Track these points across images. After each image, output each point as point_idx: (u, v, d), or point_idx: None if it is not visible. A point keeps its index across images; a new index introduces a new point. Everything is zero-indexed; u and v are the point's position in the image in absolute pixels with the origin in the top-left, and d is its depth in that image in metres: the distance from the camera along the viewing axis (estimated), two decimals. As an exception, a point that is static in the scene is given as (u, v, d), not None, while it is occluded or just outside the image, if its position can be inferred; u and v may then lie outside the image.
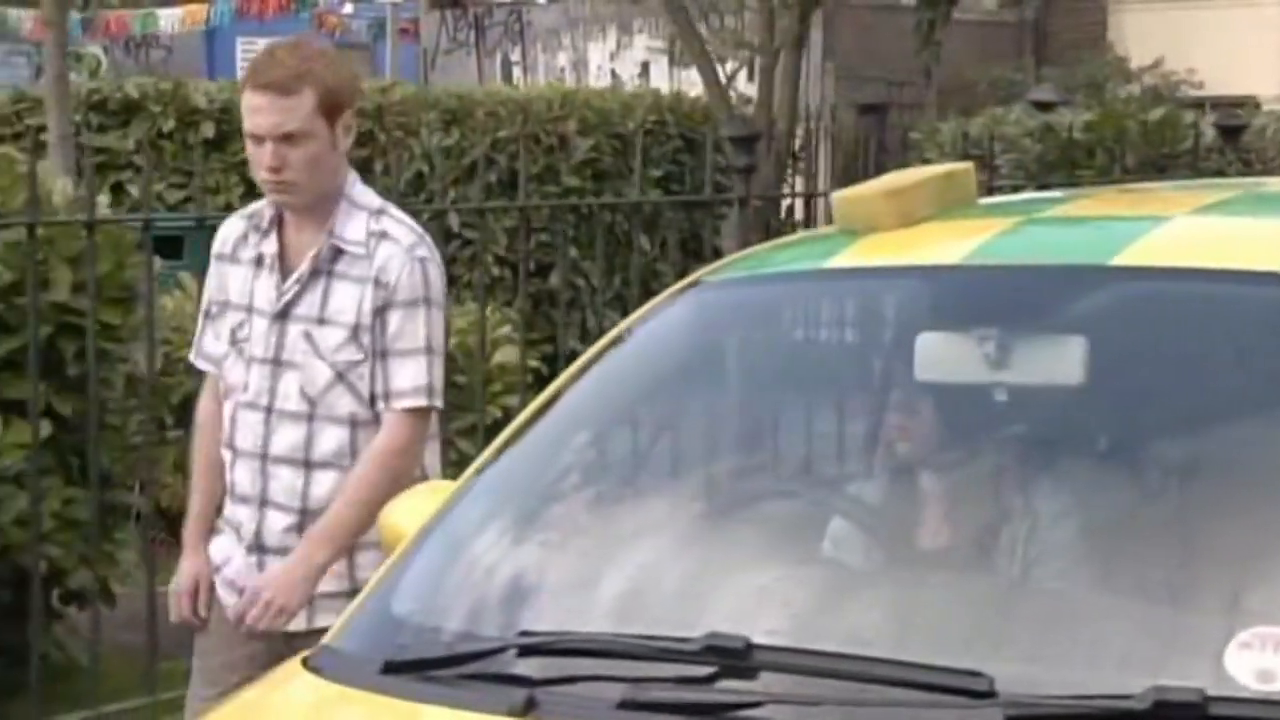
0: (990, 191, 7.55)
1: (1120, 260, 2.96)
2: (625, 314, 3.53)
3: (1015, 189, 8.03)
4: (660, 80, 19.44)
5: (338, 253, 3.97)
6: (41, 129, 9.47)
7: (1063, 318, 2.99)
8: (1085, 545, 2.78)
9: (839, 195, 3.31)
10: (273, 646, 3.95)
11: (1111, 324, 2.99)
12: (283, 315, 3.98)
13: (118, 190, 10.16)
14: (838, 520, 3.04)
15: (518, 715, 2.50)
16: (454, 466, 3.85)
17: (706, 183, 7.18)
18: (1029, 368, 2.93)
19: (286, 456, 3.98)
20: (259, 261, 4.03)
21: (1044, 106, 9.74)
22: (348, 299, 3.95)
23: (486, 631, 2.83)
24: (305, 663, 2.86)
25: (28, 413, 5.46)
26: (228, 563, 4.08)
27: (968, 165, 3.45)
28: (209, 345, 4.14)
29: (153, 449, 5.81)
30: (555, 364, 6.51)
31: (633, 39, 22.40)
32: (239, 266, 4.06)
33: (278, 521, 4.00)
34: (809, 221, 7.79)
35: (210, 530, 4.13)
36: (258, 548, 4.03)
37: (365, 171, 8.66)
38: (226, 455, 4.07)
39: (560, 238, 7.55)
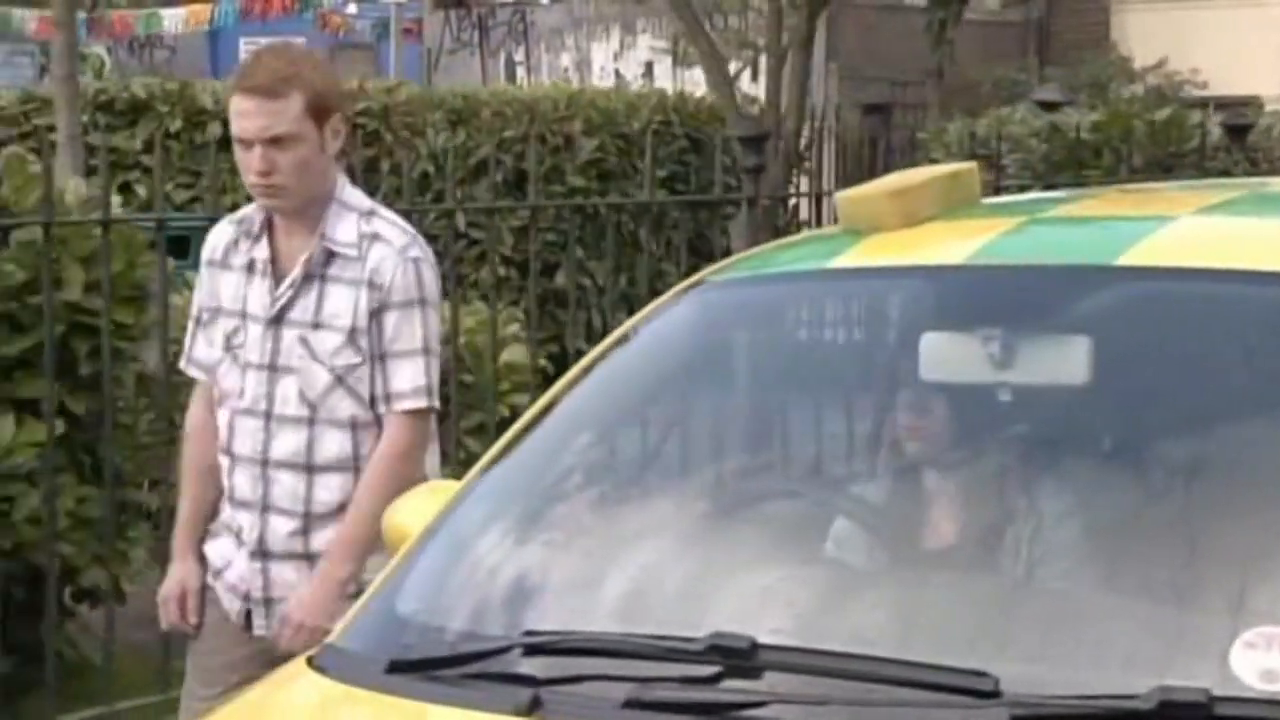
0: (997, 191, 7.57)
1: (1125, 260, 2.96)
2: (631, 314, 3.53)
3: (1022, 189, 8.03)
4: (663, 80, 19.46)
5: (330, 256, 3.95)
6: (49, 129, 9.49)
7: (1067, 318, 2.99)
8: (1090, 545, 2.78)
9: (843, 195, 3.31)
10: (276, 647, 3.95)
11: (1116, 324, 2.98)
12: (277, 320, 3.97)
13: (124, 190, 10.18)
14: (842, 520, 3.03)
15: (523, 715, 2.50)
16: (462, 465, 3.85)
17: (716, 182, 7.20)
18: (1033, 368, 2.93)
19: (288, 461, 3.97)
20: (250, 267, 4.02)
21: (1049, 106, 9.73)
22: (342, 302, 3.94)
23: (491, 631, 2.83)
24: (310, 662, 2.86)
25: (40, 411, 5.49)
26: (229, 566, 4.07)
27: (972, 165, 3.44)
28: (200, 352, 4.12)
29: (164, 448, 5.82)
30: (561, 363, 6.52)
31: (636, 39, 22.41)
32: (230, 272, 4.04)
33: (281, 526, 3.99)
34: (817, 221, 7.80)
35: (199, 537, 4.12)
36: (261, 553, 4.01)
37: (371, 171, 8.68)
38: (224, 461, 4.06)
39: (567, 237, 7.56)
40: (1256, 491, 2.72)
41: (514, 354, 6.93)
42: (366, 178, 6.36)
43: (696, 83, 18.33)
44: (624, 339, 3.36)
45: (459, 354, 6.38)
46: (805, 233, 7.08)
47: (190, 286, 7.76)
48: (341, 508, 3.97)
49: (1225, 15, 20.92)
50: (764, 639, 2.54)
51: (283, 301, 3.96)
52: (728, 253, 6.23)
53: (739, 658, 2.52)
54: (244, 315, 4.01)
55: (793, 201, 9.65)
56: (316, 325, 3.95)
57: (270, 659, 3.87)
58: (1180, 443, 2.87)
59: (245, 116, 3.89)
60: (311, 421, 3.96)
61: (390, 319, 3.94)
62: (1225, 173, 8.81)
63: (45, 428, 5.41)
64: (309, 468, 3.97)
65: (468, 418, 6.43)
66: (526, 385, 6.67)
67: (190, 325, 4.17)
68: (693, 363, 3.39)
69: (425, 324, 4.00)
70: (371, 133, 10.85)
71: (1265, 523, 2.67)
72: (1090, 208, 3.60)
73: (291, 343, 3.96)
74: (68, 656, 5.70)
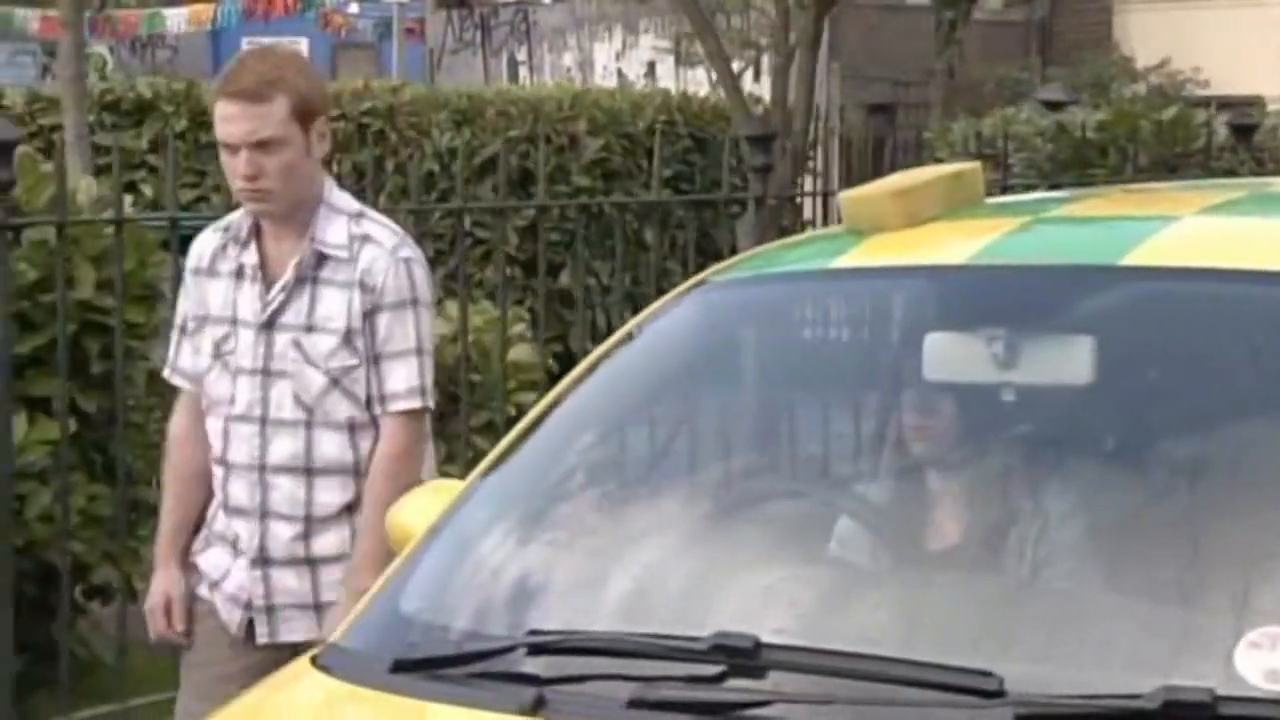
0: (1004, 191, 7.56)
1: (1129, 260, 2.96)
2: (636, 313, 3.54)
3: (1028, 188, 8.04)
4: (666, 80, 19.46)
5: (321, 259, 3.94)
6: (55, 129, 9.51)
7: (1071, 318, 2.99)
8: (1095, 545, 2.78)
9: (846, 195, 3.31)
10: (278, 658, 3.89)
11: (1120, 324, 2.99)
12: (269, 325, 3.95)
13: (130, 189, 10.19)
14: (845, 520, 3.04)
15: (527, 714, 2.50)
16: (471, 464, 3.86)
17: (724, 182, 7.20)
18: (1037, 368, 2.94)
19: (286, 466, 3.96)
20: (239, 273, 4.00)
21: (1054, 106, 9.73)
22: (335, 304, 3.93)
23: (495, 630, 2.84)
24: (314, 661, 2.87)
25: (52, 410, 5.51)
26: (226, 576, 4.04)
27: (975, 165, 3.45)
28: (185, 361, 4.10)
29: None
30: (566, 362, 6.54)
31: (638, 39, 22.40)
32: (218, 280, 4.02)
33: (282, 532, 3.97)
34: (824, 221, 7.81)
35: (183, 546, 4.09)
36: (262, 560, 3.99)
37: (376, 171, 8.67)
38: (218, 470, 4.03)
39: (572, 237, 7.56)
40: (1261, 491, 2.73)
41: (520, 353, 6.94)
42: (371, 178, 6.36)
43: (699, 82, 18.33)
44: (627, 339, 3.36)
45: (467, 353, 6.39)
46: (809, 232, 7.08)
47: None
48: (342, 510, 3.97)
49: (1227, 15, 20.92)
50: (768, 638, 2.54)
51: (274, 306, 3.95)
52: (735, 252, 6.24)
53: (743, 657, 2.52)
54: (234, 321, 3.99)
55: (798, 201, 9.66)
56: (309, 328, 3.94)
57: (269, 671, 3.92)
58: (1184, 443, 2.87)
59: (230, 121, 3.88)
60: (308, 425, 3.95)
61: (383, 320, 3.93)
62: (1231, 172, 8.81)
63: (57, 426, 5.44)
64: (308, 471, 3.96)
65: (475, 416, 6.45)
66: (533, 384, 6.68)
67: (174, 335, 4.14)
68: (695, 363, 3.39)
69: (418, 324, 3.99)
70: (377, 132, 10.86)
71: (1269, 522, 2.68)
72: (1094, 208, 3.61)
73: (284, 347, 3.94)
74: (79, 654, 5.72)
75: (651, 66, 21.78)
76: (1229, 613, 2.55)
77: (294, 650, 3.87)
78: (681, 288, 3.42)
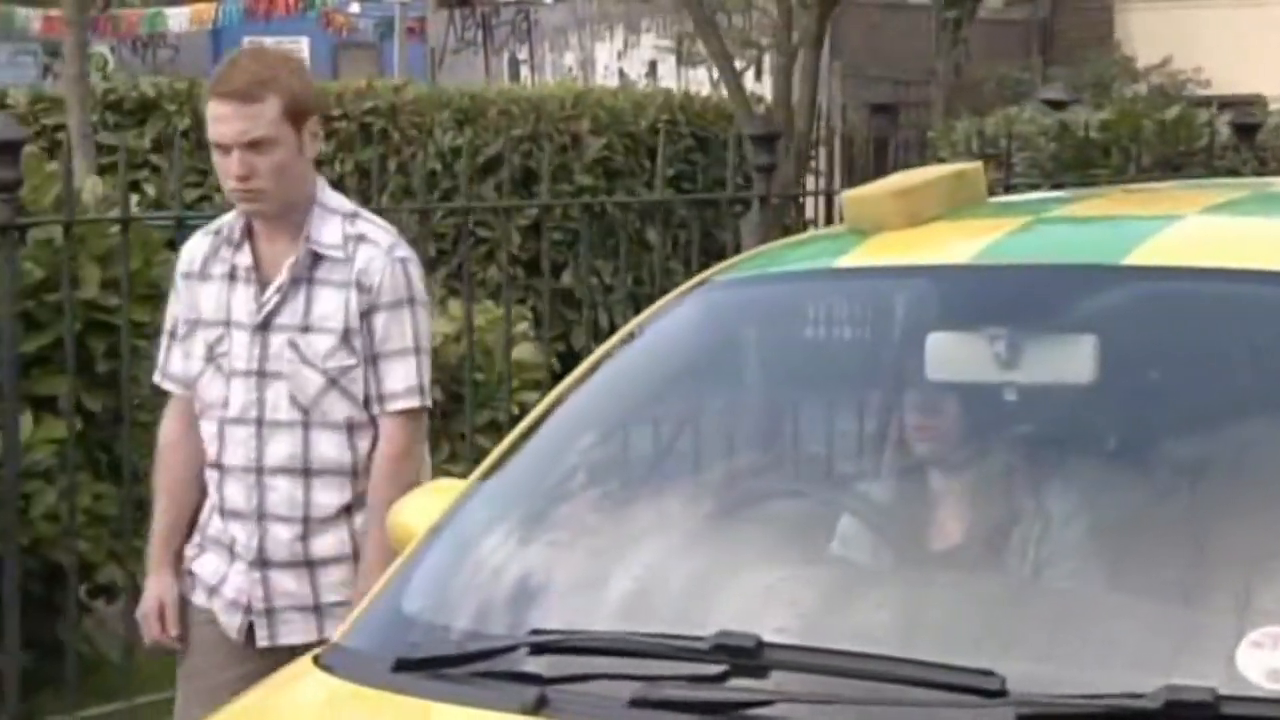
0: (1008, 190, 7.58)
1: (1131, 260, 2.96)
2: (638, 312, 3.54)
3: (1032, 187, 8.05)
4: (667, 79, 19.46)
5: (316, 259, 3.93)
6: (58, 128, 9.51)
7: (1073, 317, 2.99)
8: (1096, 544, 2.78)
9: (848, 195, 3.32)
10: (276, 665, 3.93)
11: (1122, 323, 2.99)
12: (264, 326, 3.94)
13: (134, 189, 10.19)
14: (847, 519, 3.04)
15: (529, 713, 2.50)
16: (474, 463, 3.86)
17: (728, 181, 7.20)
18: (1040, 367, 2.93)
19: (283, 467, 3.94)
20: (233, 275, 3.98)
21: (1056, 105, 9.74)
22: (332, 304, 3.92)
23: (497, 630, 2.84)
24: (316, 661, 2.87)
25: (58, 409, 5.52)
26: (224, 581, 4.02)
27: (977, 165, 3.45)
28: (176, 365, 4.09)
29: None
30: (569, 362, 6.54)
31: (640, 38, 22.40)
32: (210, 283, 4.01)
33: (281, 534, 3.96)
34: (829, 221, 7.81)
35: (176, 552, 4.08)
36: (260, 563, 3.98)
37: (380, 170, 8.65)
38: (213, 474, 4.01)
39: (575, 236, 7.57)
40: (1262, 491, 2.73)
41: (523, 352, 6.95)
42: (373, 177, 6.36)
43: (700, 82, 18.33)
44: (629, 338, 3.36)
45: (471, 352, 6.40)
46: (811, 232, 7.08)
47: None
48: (340, 511, 3.96)
49: (1228, 15, 20.92)
50: (770, 638, 2.54)
51: (270, 306, 3.94)
52: (739, 251, 6.25)
53: (745, 656, 2.52)
54: (228, 324, 3.98)
55: (801, 200, 9.66)
56: (306, 329, 3.93)
57: (266, 676, 3.90)
58: (1186, 442, 2.87)
59: (222, 121, 3.87)
60: (305, 425, 3.94)
61: (380, 320, 3.93)
62: (1234, 171, 8.81)
63: (62, 425, 5.45)
64: (306, 472, 3.94)
65: (478, 415, 6.45)
66: (536, 383, 6.69)
67: (164, 340, 4.13)
68: (698, 362, 3.39)
69: (415, 323, 3.99)
70: (380, 131, 10.87)
71: (1272, 522, 2.68)
72: (1096, 207, 3.61)
73: (280, 347, 3.93)
74: (84, 653, 5.73)
75: (653, 66, 21.78)
76: (1231, 612, 2.55)
77: (293, 653, 3.90)
78: (684, 287, 3.42)
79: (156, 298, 5.83)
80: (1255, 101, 12.47)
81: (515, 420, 3.70)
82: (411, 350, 3.98)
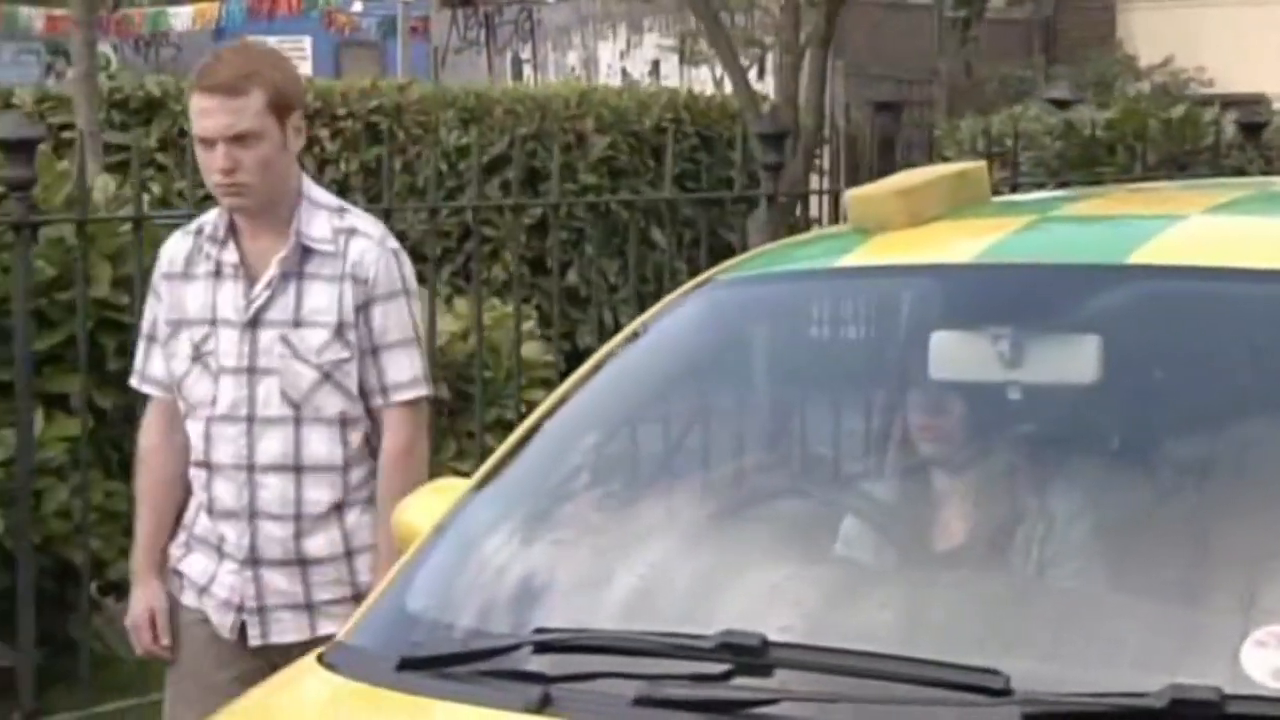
0: (1014, 189, 7.59)
1: (1135, 259, 2.96)
2: (643, 311, 3.55)
3: (1038, 186, 8.06)
4: (670, 78, 19.47)
5: (306, 253, 3.92)
6: (64, 127, 9.51)
7: (1077, 316, 2.99)
8: (1101, 543, 2.78)
9: (852, 194, 3.31)
10: (267, 665, 3.87)
11: (1126, 323, 2.99)
12: (254, 323, 3.92)
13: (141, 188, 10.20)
14: (851, 518, 3.04)
15: (533, 712, 2.50)
16: (482, 462, 3.86)
17: (735, 180, 7.22)
18: (1043, 367, 2.93)
19: (275, 464, 3.92)
20: (218, 272, 3.96)
21: (1061, 104, 9.75)
22: (324, 298, 3.91)
23: (501, 628, 2.84)
24: (321, 659, 2.86)
25: (69, 407, 5.53)
26: (213, 580, 4.00)
27: (981, 164, 3.45)
28: (156, 368, 4.06)
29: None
30: (573, 360, 6.56)
31: (643, 37, 22.41)
32: (194, 282, 3.98)
33: (274, 532, 3.94)
34: (835, 219, 7.82)
35: (160, 559, 4.06)
36: (252, 561, 3.95)
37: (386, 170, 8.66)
38: (200, 473, 3.99)
39: (580, 235, 7.57)
40: (1267, 490, 2.73)
41: (530, 350, 6.96)
42: (388, 175, 6.37)
43: (703, 81, 18.34)
44: (632, 337, 3.36)
45: (481, 350, 6.41)
46: (814, 230, 7.09)
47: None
48: (331, 509, 3.95)
49: (1230, 14, 20.93)
50: (774, 637, 2.53)
51: (259, 302, 3.92)
52: (746, 250, 6.27)
53: (750, 655, 2.51)
54: (213, 322, 3.95)
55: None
56: (297, 324, 3.91)
57: (260, 678, 3.89)
58: (1190, 442, 2.87)
59: (207, 115, 3.86)
60: (297, 421, 3.92)
61: (378, 312, 3.93)
62: (1240, 170, 8.82)
63: (73, 423, 5.46)
64: (297, 469, 3.93)
65: (485, 413, 6.46)
66: (544, 381, 6.69)
67: (141, 343, 4.10)
68: (701, 361, 3.39)
69: (412, 313, 4.00)
70: (385, 131, 10.86)
71: (1276, 521, 2.68)
72: (1099, 206, 3.60)
73: (271, 343, 3.91)
74: (95, 649, 5.74)
75: (656, 65, 21.79)
76: (1235, 612, 2.55)
77: (284, 653, 3.84)
78: (687, 286, 3.42)
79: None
80: (1259, 100, 12.48)
81: (524, 419, 3.71)
82: (412, 340, 3.99)
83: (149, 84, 11.29)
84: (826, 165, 10.50)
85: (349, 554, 3.96)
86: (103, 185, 5.89)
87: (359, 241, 3.94)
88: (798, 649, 2.55)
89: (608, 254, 10.16)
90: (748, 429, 3.37)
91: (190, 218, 5.69)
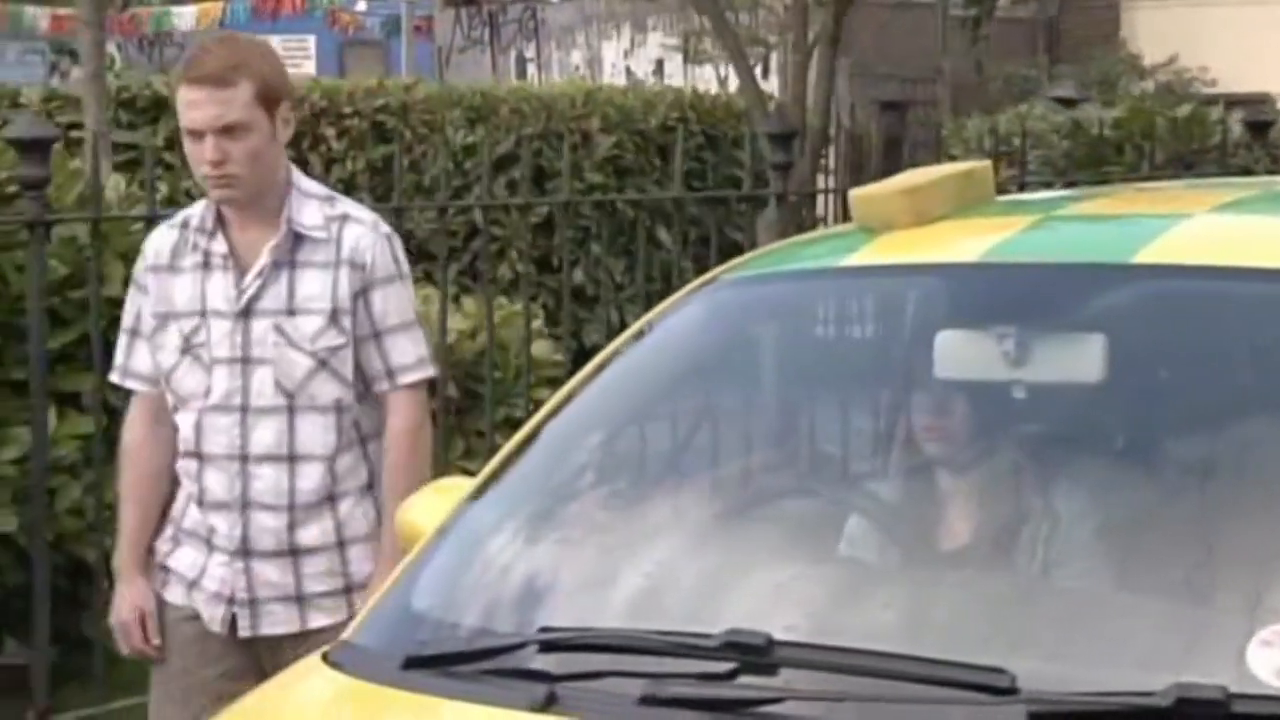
0: (1022, 188, 7.60)
1: (1140, 258, 2.96)
2: (649, 309, 3.56)
3: (1045, 185, 8.06)
4: (674, 78, 19.50)
5: (298, 240, 3.92)
6: (72, 126, 9.52)
7: (1082, 316, 2.98)
8: (1106, 543, 2.78)
9: (857, 193, 3.30)
10: (254, 661, 3.93)
11: (1131, 322, 2.99)
12: (246, 312, 3.92)
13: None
14: (857, 518, 3.04)
15: (539, 710, 2.49)
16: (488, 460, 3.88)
17: (745, 178, 7.22)
18: (1048, 366, 2.93)
19: (269, 454, 3.91)
20: (207, 264, 3.95)
21: (1066, 103, 9.76)
22: (317, 285, 3.91)
23: (507, 627, 2.84)
24: (326, 658, 2.86)
25: (82, 405, 5.55)
26: (203, 574, 3.98)
27: (986, 163, 3.44)
28: (140, 363, 4.05)
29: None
30: (579, 359, 6.58)
31: (647, 36, 22.45)
32: (182, 274, 3.98)
33: (267, 522, 3.93)
34: (844, 219, 7.81)
35: (145, 557, 4.04)
36: (243, 553, 3.94)
37: (390, 168, 8.67)
38: (190, 465, 3.97)
39: (587, 234, 7.58)
40: (1272, 490, 2.73)
41: (538, 349, 6.98)
42: (399, 173, 6.39)
43: (706, 80, 18.38)
44: (637, 336, 3.36)
45: (491, 348, 6.42)
46: (820, 230, 7.10)
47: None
48: (324, 499, 3.94)
49: (1234, 13, 20.96)
50: (780, 636, 2.53)
51: (251, 292, 3.92)
52: (754, 249, 6.29)
53: (755, 654, 2.51)
54: (204, 313, 3.95)
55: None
56: (291, 312, 3.91)
57: (247, 672, 3.87)
58: (1195, 441, 2.87)
59: (195, 107, 3.85)
60: (290, 410, 3.91)
61: (377, 296, 3.93)
62: (1247, 170, 8.82)
63: (86, 420, 5.48)
64: (291, 458, 3.92)
65: (494, 412, 6.48)
66: (550, 380, 6.71)
67: (123, 338, 4.09)
68: (706, 361, 3.39)
69: (409, 297, 4.02)
70: (392, 129, 10.90)
71: (1281, 521, 2.68)
72: (1105, 206, 3.60)
73: (264, 332, 3.91)
74: (108, 646, 5.75)
75: (660, 64, 21.83)
76: (1241, 611, 2.55)
77: (273, 645, 3.91)
78: (692, 285, 3.42)
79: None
80: (1263, 100, 12.49)
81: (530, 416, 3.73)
82: (414, 322, 4.00)
83: (156, 83, 11.31)
84: (832, 164, 10.50)
85: (341, 544, 3.96)
86: (114, 184, 5.90)
87: (353, 227, 3.94)
88: (803, 648, 2.55)
89: (614, 253, 10.19)
90: (753, 428, 3.36)
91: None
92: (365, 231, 3.94)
